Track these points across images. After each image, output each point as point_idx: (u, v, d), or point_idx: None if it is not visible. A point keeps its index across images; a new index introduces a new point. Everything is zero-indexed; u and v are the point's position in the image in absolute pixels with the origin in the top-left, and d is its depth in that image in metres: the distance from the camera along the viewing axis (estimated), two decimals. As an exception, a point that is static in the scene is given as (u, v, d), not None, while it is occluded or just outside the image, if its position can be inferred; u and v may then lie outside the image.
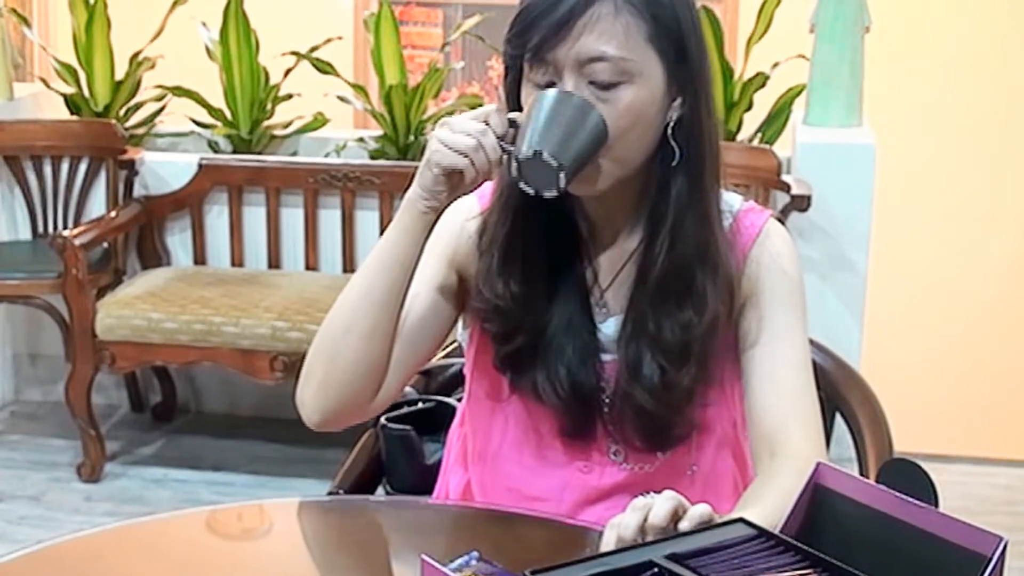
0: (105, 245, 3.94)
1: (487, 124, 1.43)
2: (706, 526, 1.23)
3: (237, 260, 4.07)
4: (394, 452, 1.79)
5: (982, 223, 5.64)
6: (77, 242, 3.65)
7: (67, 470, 3.84)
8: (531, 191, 1.42)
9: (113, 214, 3.97)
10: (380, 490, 1.82)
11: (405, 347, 1.54)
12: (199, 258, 4.09)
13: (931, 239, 5.65)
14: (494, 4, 4.93)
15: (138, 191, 4.07)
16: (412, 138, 4.14)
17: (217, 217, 4.09)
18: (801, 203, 3.55)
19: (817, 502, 1.20)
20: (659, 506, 1.24)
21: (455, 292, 1.60)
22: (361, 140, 4.25)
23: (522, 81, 1.47)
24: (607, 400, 1.56)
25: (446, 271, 1.59)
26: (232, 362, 3.66)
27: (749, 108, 4.06)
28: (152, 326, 3.63)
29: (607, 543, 1.25)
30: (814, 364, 1.58)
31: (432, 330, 1.58)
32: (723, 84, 3.98)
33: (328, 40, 4.32)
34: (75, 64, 4.27)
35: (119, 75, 4.28)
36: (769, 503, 1.38)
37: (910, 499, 1.13)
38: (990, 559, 1.07)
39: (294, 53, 4.26)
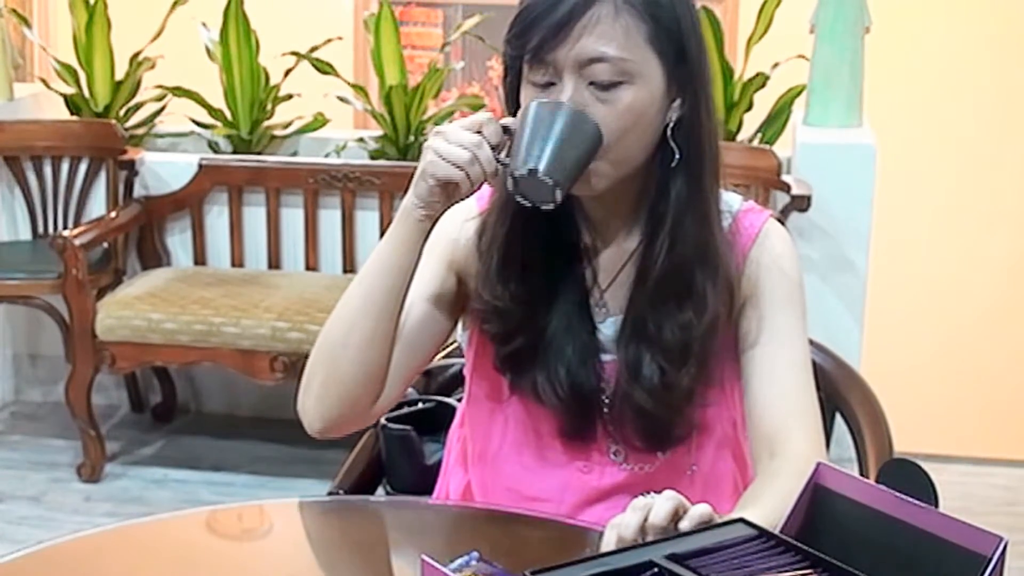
0: (105, 245, 3.94)
1: (483, 135, 1.41)
2: (706, 526, 1.23)
3: (237, 260, 4.07)
4: (394, 452, 1.79)
5: (982, 223, 5.64)
6: (77, 242, 3.65)
7: (67, 470, 3.84)
8: (528, 204, 1.42)
9: (113, 214, 3.97)
10: (380, 490, 1.82)
11: (404, 352, 1.54)
12: (199, 258, 4.09)
13: (931, 239, 5.66)
14: (494, 4, 4.93)
15: (138, 191, 4.07)
16: (412, 138, 4.14)
17: (217, 217, 4.09)
18: (801, 203, 3.55)
19: (817, 502, 1.20)
20: (659, 506, 1.24)
21: (454, 295, 1.59)
22: (361, 140, 4.25)
23: (521, 82, 1.47)
24: (607, 400, 1.56)
25: (444, 274, 1.59)
26: (232, 362, 3.66)
27: (749, 108, 4.06)
28: (152, 326, 3.63)
29: (607, 543, 1.25)
30: (814, 364, 1.59)
31: (431, 334, 1.58)
32: (723, 84, 3.98)
33: (328, 40, 4.32)
34: (75, 64, 4.27)
35: (119, 75, 4.28)
36: (768, 504, 1.38)
37: (910, 499, 1.13)
38: (990, 559, 1.07)
39: (294, 53, 4.26)
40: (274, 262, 4.06)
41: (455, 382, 1.88)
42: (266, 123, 4.29)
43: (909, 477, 1.14)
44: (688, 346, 1.51)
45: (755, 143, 4.07)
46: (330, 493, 1.76)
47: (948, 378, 5.56)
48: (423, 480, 1.77)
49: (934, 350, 5.61)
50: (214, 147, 4.28)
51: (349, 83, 4.36)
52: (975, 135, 5.60)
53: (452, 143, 1.41)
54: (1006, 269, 5.65)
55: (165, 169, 4.09)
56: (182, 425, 4.20)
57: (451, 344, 1.85)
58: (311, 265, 4.04)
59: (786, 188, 3.61)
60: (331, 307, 1.54)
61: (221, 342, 3.62)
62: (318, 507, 1.67)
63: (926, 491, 1.13)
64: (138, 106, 4.35)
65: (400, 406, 1.80)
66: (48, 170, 4.17)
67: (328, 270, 4.04)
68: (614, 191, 1.49)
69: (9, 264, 3.94)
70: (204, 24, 4.30)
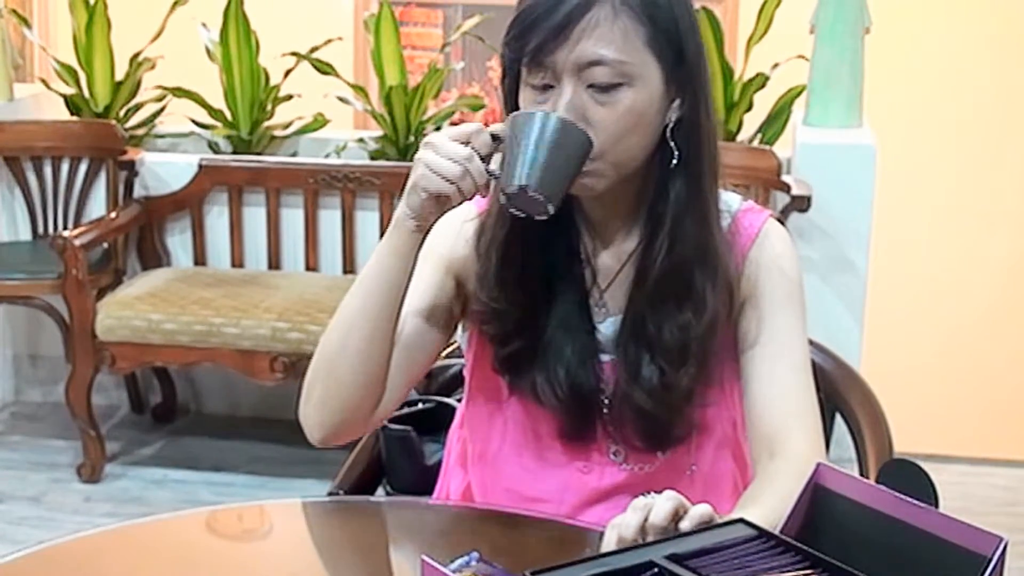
0: (105, 246, 3.94)
1: (472, 146, 1.40)
2: (707, 526, 1.23)
3: (237, 261, 4.07)
4: (394, 452, 1.80)
5: (982, 223, 5.64)
6: (77, 243, 3.65)
7: (67, 471, 3.84)
8: (522, 215, 1.42)
9: (113, 215, 3.97)
10: (380, 490, 1.82)
11: (404, 358, 1.54)
12: (199, 259, 4.09)
13: (931, 240, 5.66)
14: (494, 4, 4.93)
15: (138, 192, 4.07)
16: (412, 139, 4.14)
17: (217, 218, 4.09)
18: (801, 204, 3.55)
19: (817, 502, 1.20)
20: (660, 506, 1.24)
21: (453, 298, 1.59)
22: (361, 141, 4.25)
23: (520, 84, 1.47)
24: (606, 401, 1.56)
25: (443, 278, 1.58)
26: (232, 363, 3.66)
27: (749, 109, 4.06)
28: (152, 327, 3.63)
29: (608, 543, 1.25)
30: (814, 364, 1.58)
31: (431, 339, 1.58)
32: (723, 85, 3.98)
33: (328, 41, 4.32)
34: (75, 65, 4.27)
35: (119, 76, 4.28)
36: (768, 504, 1.38)
37: (910, 499, 1.13)
38: (990, 559, 1.07)
39: (294, 54, 4.26)
40: (274, 262, 4.06)
41: (455, 382, 1.88)
42: (266, 123, 4.29)
43: (909, 477, 1.14)
44: (687, 346, 1.51)
45: (755, 143, 4.07)
46: (330, 493, 1.76)
47: (948, 378, 5.56)
48: (423, 480, 1.77)
49: (934, 350, 5.61)
50: (214, 147, 4.28)
51: (349, 83, 4.36)
52: (975, 135, 5.60)
53: (443, 156, 1.40)
54: (1006, 269, 5.65)
55: (165, 169, 4.09)
56: (182, 425, 4.20)
57: (451, 344, 1.85)
58: (311, 265, 4.04)
59: (786, 188, 3.61)
60: (331, 307, 1.54)
61: (221, 342, 3.62)
62: (318, 507, 1.67)
63: (926, 491, 1.13)
64: (138, 106, 4.35)
65: (400, 406, 1.79)
66: (48, 170, 4.17)
67: (328, 270, 4.04)
68: (613, 191, 1.49)
69: (9, 264, 3.94)
70: (204, 24, 4.30)
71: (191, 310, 3.65)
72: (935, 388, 5.47)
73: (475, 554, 1.23)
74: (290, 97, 4.29)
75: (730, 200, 1.59)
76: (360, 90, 4.31)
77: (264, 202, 4.03)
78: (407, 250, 1.47)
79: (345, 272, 4.00)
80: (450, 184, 1.40)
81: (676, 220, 1.49)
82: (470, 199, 1.43)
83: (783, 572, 1.14)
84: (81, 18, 4.22)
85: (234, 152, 4.24)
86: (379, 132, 4.25)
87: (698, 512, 1.25)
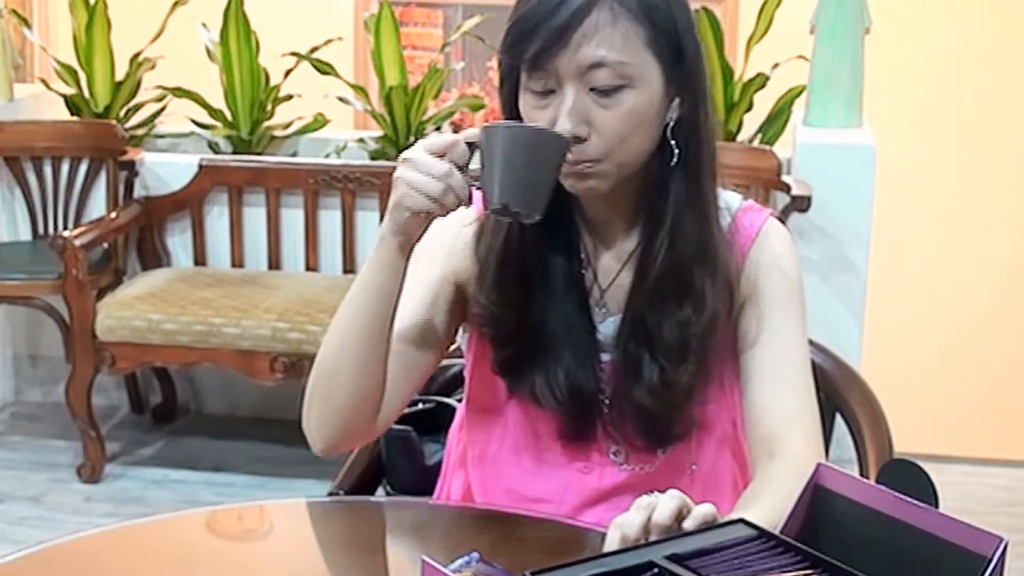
0: (105, 246, 3.94)
1: (450, 159, 1.39)
2: (709, 526, 1.23)
3: (237, 261, 4.07)
4: (394, 452, 1.79)
5: (982, 223, 5.64)
6: (77, 243, 3.65)
7: (67, 471, 3.84)
8: (512, 219, 1.42)
9: (113, 215, 3.97)
10: (380, 490, 1.82)
11: (403, 366, 1.54)
12: (199, 259, 4.09)
13: (931, 240, 5.66)
14: (494, 4, 4.93)
15: (138, 192, 4.07)
16: (412, 139, 4.14)
17: (217, 218, 4.09)
18: (801, 204, 3.55)
19: (817, 502, 1.20)
20: (663, 505, 1.24)
21: (452, 303, 1.59)
22: (361, 141, 4.26)
23: (520, 90, 1.47)
24: (606, 401, 1.56)
25: (440, 283, 1.58)
26: (232, 363, 3.66)
27: (749, 109, 4.06)
28: (152, 327, 3.63)
29: (611, 542, 1.25)
30: (814, 364, 1.58)
31: (430, 346, 1.57)
32: (723, 85, 3.98)
33: (328, 41, 4.32)
34: (75, 65, 4.27)
35: (119, 76, 4.28)
36: (768, 504, 1.38)
37: (910, 499, 1.13)
38: (990, 559, 1.07)
39: (294, 54, 4.26)
40: (274, 263, 4.06)
41: (455, 382, 1.88)
42: (266, 123, 4.29)
43: (909, 477, 1.14)
44: (687, 343, 1.51)
45: (755, 143, 4.07)
46: (330, 493, 1.76)
47: (948, 378, 5.56)
48: (423, 480, 1.77)
49: (934, 350, 5.61)
50: (214, 147, 4.28)
51: (349, 84, 4.36)
52: (975, 135, 5.60)
53: (422, 173, 1.39)
54: (1006, 269, 5.65)
55: (165, 169, 4.09)
56: (182, 426, 4.20)
57: (451, 345, 1.85)
58: (311, 266, 4.04)
59: (786, 188, 3.61)
60: (331, 308, 1.54)
61: (221, 343, 3.62)
62: (318, 508, 1.67)
63: (926, 491, 1.13)
64: (138, 107, 4.35)
65: (400, 408, 1.79)
66: (48, 170, 4.17)
67: (328, 271, 4.04)
68: (613, 191, 1.49)
69: (9, 264, 3.94)
70: (204, 24, 4.30)
71: (191, 310, 3.65)
72: (935, 388, 5.47)
73: (475, 554, 1.23)
74: (290, 97, 4.29)
75: (730, 199, 1.59)
76: (360, 90, 4.31)
77: (264, 202, 4.03)
78: (395, 264, 1.47)
79: (345, 272, 4.00)
80: (432, 201, 1.40)
81: (676, 218, 1.49)
82: (455, 210, 1.43)
83: (783, 572, 1.14)
84: (81, 18, 4.22)
85: (234, 152, 4.24)
86: (379, 132, 4.25)
87: (701, 512, 1.25)
